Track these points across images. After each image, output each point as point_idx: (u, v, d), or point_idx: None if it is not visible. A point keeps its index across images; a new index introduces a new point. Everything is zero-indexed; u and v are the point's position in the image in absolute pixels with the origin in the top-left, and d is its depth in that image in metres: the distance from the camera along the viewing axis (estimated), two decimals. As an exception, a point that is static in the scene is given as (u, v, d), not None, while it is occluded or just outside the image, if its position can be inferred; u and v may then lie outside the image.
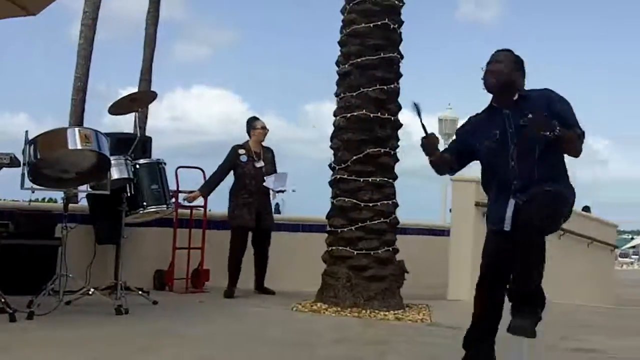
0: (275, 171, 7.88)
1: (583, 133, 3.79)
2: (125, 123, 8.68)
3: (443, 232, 9.21)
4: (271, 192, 7.77)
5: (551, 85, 3.99)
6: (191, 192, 7.86)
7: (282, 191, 7.83)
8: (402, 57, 7.30)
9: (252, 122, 7.94)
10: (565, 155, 3.88)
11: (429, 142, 4.01)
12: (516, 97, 3.93)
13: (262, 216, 7.70)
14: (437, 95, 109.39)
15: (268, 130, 7.93)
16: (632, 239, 37.11)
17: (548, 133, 3.57)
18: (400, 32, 7.29)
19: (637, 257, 30.53)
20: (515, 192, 3.84)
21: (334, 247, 7.10)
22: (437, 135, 4.61)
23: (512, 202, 3.84)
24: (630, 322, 7.63)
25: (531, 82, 4.04)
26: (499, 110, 3.98)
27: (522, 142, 3.84)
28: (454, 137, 4.35)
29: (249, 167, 7.69)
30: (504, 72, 3.93)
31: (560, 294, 9.15)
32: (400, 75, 7.31)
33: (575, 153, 3.82)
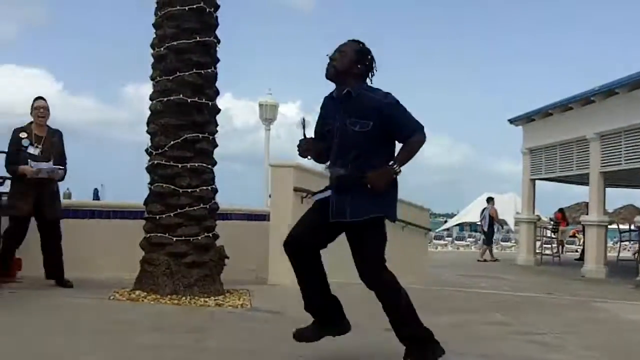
0: (63, 154, 7.35)
1: (418, 130, 3.97)
2: None
3: (264, 217, 9.25)
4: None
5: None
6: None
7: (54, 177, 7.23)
8: (218, 41, 7.19)
9: (33, 103, 7.30)
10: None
11: (301, 147, 4.05)
12: (345, 91, 3.99)
13: (43, 206, 7.13)
14: (257, 80, 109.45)
15: (46, 110, 7.29)
16: (446, 221, 39.21)
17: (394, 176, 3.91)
18: (216, 17, 7.19)
19: (450, 239, 32.44)
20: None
21: (152, 234, 6.94)
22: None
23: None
24: (438, 302, 8.03)
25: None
26: (338, 100, 4.05)
27: (343, 138, 3.96)
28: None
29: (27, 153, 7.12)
30: (341, 63, 3.99)
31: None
32: (218, 60, 7.21)
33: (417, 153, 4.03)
